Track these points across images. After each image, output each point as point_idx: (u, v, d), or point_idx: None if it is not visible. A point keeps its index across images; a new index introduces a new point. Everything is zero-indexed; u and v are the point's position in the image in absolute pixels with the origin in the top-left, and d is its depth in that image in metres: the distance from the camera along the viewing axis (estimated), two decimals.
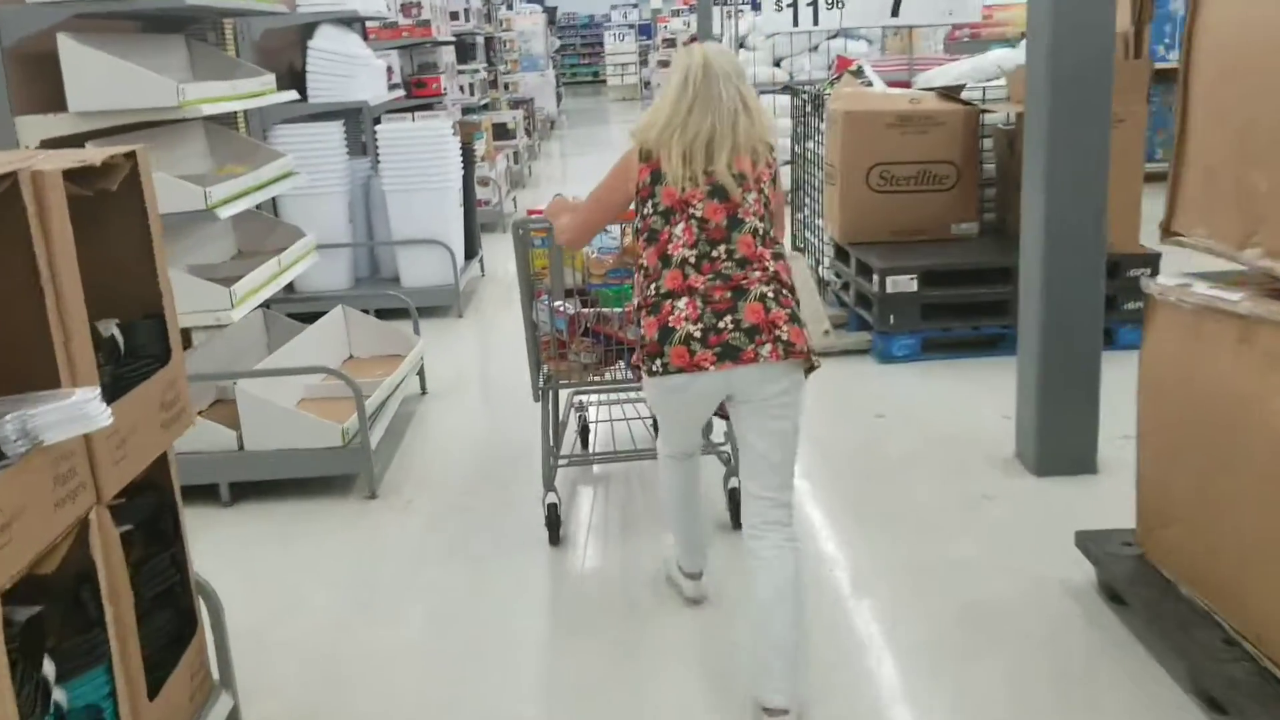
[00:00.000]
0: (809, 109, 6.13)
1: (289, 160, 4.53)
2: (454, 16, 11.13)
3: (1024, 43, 7.64)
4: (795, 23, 9.55)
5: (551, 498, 3.39)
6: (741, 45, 9.62)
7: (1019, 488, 3.62)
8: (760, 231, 2.47)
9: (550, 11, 23.93)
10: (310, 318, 6.07)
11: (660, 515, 3.34)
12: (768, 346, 2.37)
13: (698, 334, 2.38)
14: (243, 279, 3.81)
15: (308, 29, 6.31)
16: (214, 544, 3.52)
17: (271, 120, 6.03)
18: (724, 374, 2.38)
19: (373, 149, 6.39)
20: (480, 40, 12.28)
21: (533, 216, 3.29)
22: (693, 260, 2.43)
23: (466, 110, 11.52)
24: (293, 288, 6.27)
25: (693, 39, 16.20)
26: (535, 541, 3.46)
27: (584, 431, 4.17)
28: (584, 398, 4.11)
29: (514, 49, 16.42)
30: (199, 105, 3.62)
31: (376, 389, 4.11)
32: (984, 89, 5.74)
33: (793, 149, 6.94)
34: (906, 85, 6.34)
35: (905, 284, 4.85)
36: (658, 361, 2.42)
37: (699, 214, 2.45)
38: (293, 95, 4.51)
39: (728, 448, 3.40)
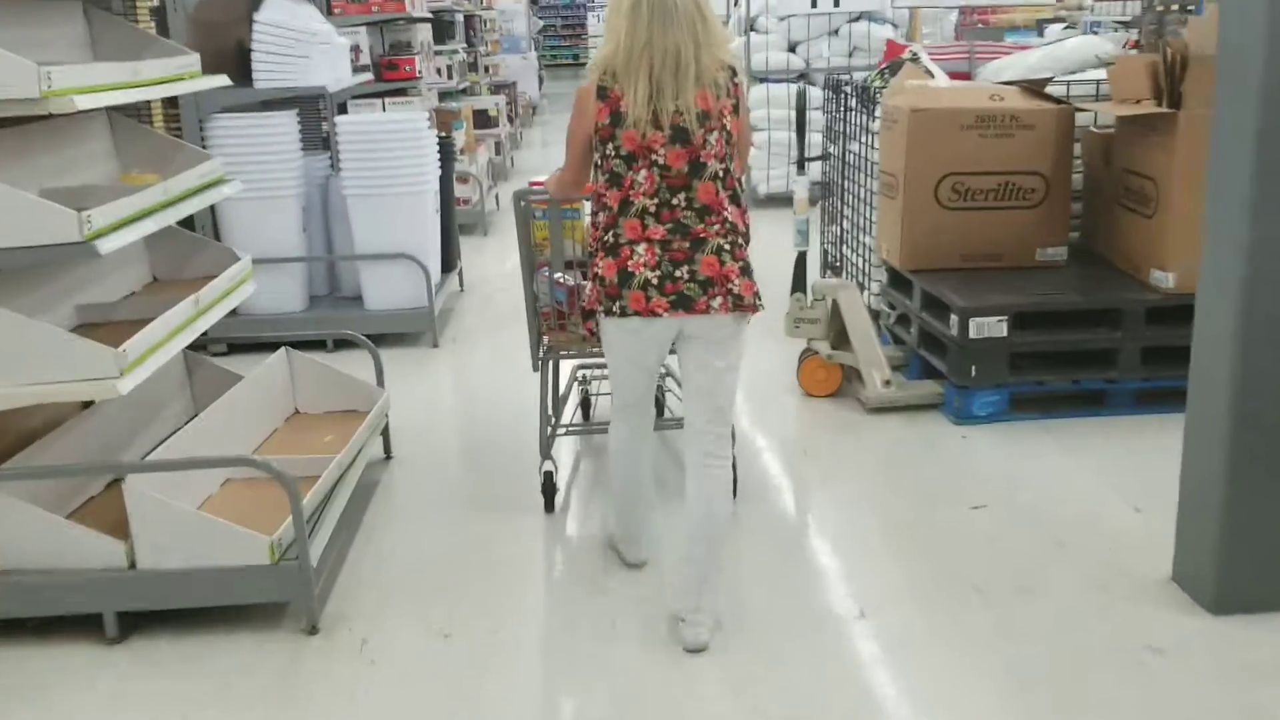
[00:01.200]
0: (854, 103, 5.15)
1: (216, 165, 3.52)
2: None
3: (1112, 31, 6.65)
4: (814, 4, 8.59)
5: (548, 466, 3.41)
6: (751, 29, 8.63)
7: (1195, 634, 2.66)
8: (721, 175, 2.51)
9: None
10: (255, 348, 5.08)
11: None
12: (718, 300, 2.50)
13: (655, 280, 2.48)
14: (141, 332, 2.80)
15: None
16: (85, 708, 2.53)
17: (210, 109, 5.01)
18: (677, 320, 2.51)
19: (334, 143, 5.37)
20: (459, 19, 11.21)
21: (534, 187, 3.19)
22: (653, 209, 2.49)
23: (444, 95, 10.48)
24: (234, 310, 5.25)
25: None
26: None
27: (585, 403, 4.19)
28: (587, 371, 4.12)
29: (495, 29, 15.35)
30: (71, 96, 2.60)
31: (324, 472, 3.12)
32: (1069, 84, 4.77)
33: (824, 149, 5.96)
34: (967, 78, 5.38)
35: (993, 328, 3.89)
36: (616, 304, 2.51)
37: (661, 160, 2.48)
38: (220, 81, 3.49)
39: None
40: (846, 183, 5.39)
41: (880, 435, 4.01)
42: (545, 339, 3.35)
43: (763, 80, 8.58)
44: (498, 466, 3.83)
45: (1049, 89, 4.55)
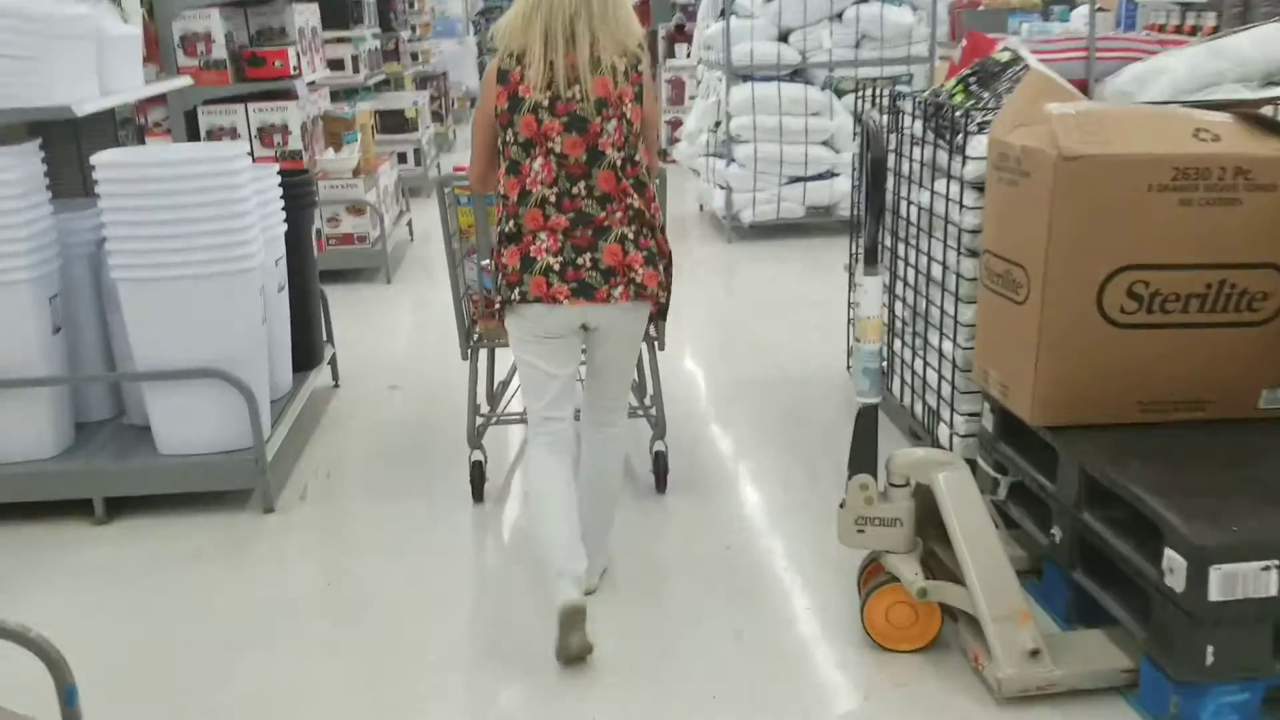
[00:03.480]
0: (926, 134, 3.30)
1: None
2: None
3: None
4: None
5: (476, 455, 3.35)
6: (729, 12, 6.75)
7: None
8: (620, 163, 2.46)
9: None
10: None
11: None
12: (620, 289, 2.46)
13: (556, 267, 2.45)
14: None
15: None
16: None
17: None
18: (579, 309, 2.47)
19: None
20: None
21: (458, 173, 3.15)
22: (553, 199, 2.46)
23: (348, 94, 8.53)
24: None
25: (644, 1, 13.31)
26: None
27: None
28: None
29: (424, 10, 13.35)
30: None
31: None
32: (1277, 105, 2.95)
33: (859, 197, 4.10)
34: (1084, 88, 3.55)
35: (1253, 581, 2.08)
36: (517, 290, 2.47)
37: (558, 149, 2.44)
38: None
39: (655, 410, 3.40)
40: (903, 246, 3.55)
41: None
42: (475, 328, 3.30)
43: (746, 79, 6.72)
44: None
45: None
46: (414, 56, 11.94)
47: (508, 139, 2.45)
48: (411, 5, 12.55)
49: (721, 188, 6.90)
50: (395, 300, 5.89)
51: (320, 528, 3.31)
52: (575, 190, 2.44)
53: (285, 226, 3.77)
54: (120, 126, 6.04)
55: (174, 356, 3.23)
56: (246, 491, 3.39)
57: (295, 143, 5.98)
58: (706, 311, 5.70)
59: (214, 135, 5.93)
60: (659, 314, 2.62)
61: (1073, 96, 2.73)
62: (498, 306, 2.54)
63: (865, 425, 2.45)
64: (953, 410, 3.15)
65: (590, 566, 2.59)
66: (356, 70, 8.47)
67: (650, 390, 3.44)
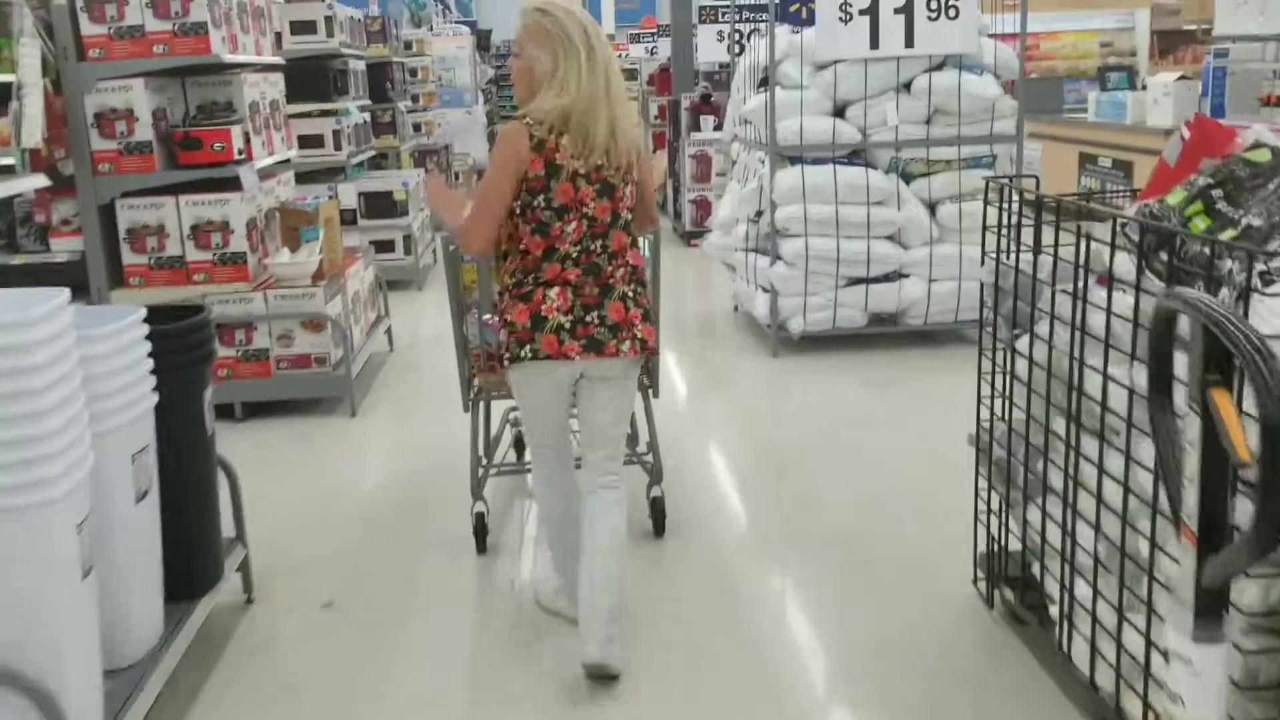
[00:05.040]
0: (1143, 278, 2.05)
1: None
2: (302, 29, 7.02)
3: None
4: (874, 44, 5.57)
5: (479, 507, 3.43)
6: (773, 82, 5.58)
7: None
8: (628, 224, 2.71)
9: (482, 35, 19.98)
10: None
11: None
12: (627, 344, 2.66)
13: (568, 325, 2.61)
14: None
15: None
16: None
17: None
18: (587, 364, 2.65)
19: None
20: (356, 68, 8.13)
21: None
22: (574, 255, 2.62)
23: (333, 172, 7.42)
24: None
25: (663, 70, 12.28)
26: None
27: (518, 444, 4.16)
28: (519, 413, 3.77)
29: (427, 78, 12.37)
30: None
31: None
32: None
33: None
34: None
35: None
36: (528, 347, 2.61)
37: (590, 213, 2.61)
38: None
39: (650, 457, 3.48)
40: (1094, 445, 2.28)
41: None
42: (476, 380, 3.40)
43: (794, 160, 5.54)
44: None
45: None
46: (416, 128, 10.91)
47: (538, 204, 2.58)
48: (413, 75, 11.57)
49: (765, 290, 5.68)
50: (357, 445, 4.63)
51: None
52: (594, 247, 2.63)
53: (155, 398, 2.55)
54: (20, 225, 4.90)
55: None
56: None
57: (239, 243, 4.81)
58: (747, 445, 4.48)
59: (135, 235, 4.79)
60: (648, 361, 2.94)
61: None
62: (506, 361, 2.65)
63: None
64: None
65: (610, 643, 2.67)
66: (339, 147, 7.37)
67: (646, 437, 3.48)
